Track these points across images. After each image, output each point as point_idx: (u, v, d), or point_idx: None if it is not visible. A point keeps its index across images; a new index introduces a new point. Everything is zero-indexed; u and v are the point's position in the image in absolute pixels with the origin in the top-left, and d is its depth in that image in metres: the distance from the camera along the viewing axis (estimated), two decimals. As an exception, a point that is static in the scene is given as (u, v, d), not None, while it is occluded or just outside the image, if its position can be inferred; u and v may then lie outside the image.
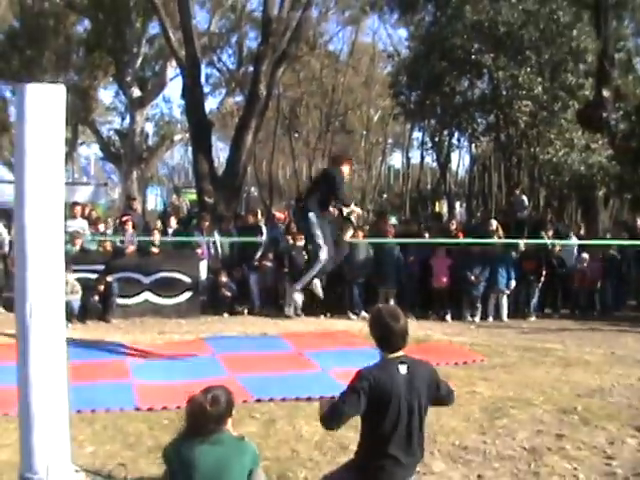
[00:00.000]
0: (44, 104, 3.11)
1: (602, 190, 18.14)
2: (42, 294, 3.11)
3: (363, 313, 14.32)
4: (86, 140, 40.65)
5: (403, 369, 4.28)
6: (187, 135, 26.10)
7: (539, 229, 16.99)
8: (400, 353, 4.36)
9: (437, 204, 36.04)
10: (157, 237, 14.92)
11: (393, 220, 27.98)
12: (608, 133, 18.01)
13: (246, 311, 15.06)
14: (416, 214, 26.82)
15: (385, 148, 43.27)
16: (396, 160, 51.03)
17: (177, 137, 31.19)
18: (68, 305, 12.33)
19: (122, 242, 15.06)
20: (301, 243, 15.04)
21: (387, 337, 4.34)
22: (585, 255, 15.91)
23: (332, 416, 4.27)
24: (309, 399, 8.35)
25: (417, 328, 13.47)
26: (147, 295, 14.51)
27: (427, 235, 16.41)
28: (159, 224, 16.73)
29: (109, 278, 14.13)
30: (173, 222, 16.24)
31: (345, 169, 9.81)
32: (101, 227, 15.71)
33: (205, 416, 4.02)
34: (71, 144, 32.37)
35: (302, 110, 38.01)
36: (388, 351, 4.35)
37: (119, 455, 6.60)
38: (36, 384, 3.12)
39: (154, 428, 7.33)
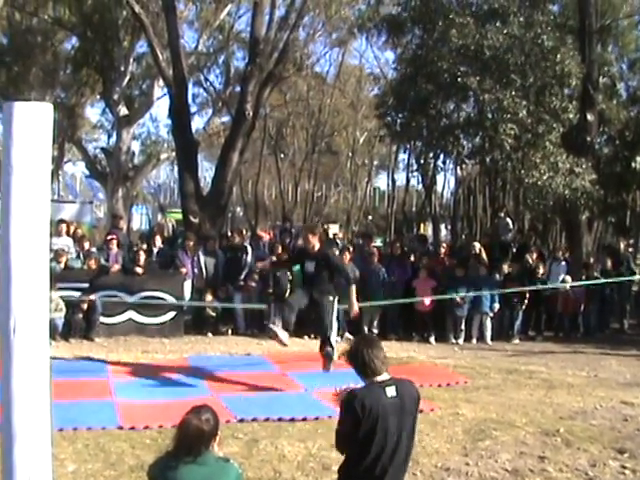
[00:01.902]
0: (31, 122, 3.11)
1: (586, 214, 18.24)
2: (26, 311, 3.11)
3: (347, 334, 14.31)
4: (72, 158, 40.57)
5: (391, 391, 4.28)
6: (173, 154, 26.04)
7: (523, 252, 17.08)
8: (386, 376, 4.37)
9: (422, 226, 36.15)
10: (142, 258, 14.88)
11: (378, 242, 28.11)
12: (592, 157, 18.13)
13: (230, 331, 15.04)
14: (401, 236, 26.85)
15: (371, 170, 43.41)
16: (382, 182, 51.12)
17: (163, 156, 31.08)
18: (52, 323, 12.28)
19: (107, 260, 15.02)
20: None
21: (367, 365, 4.36)
22: (568, 278, 15.99)
23: (342, 446, 4.40)
24: (292, 420, 8.34)
25: (400, 350, 13.51)
26: (131, 314, 14.45)
27: (412, 257, 16.54)
28: (140, 243, 16.72)
29: (92, 296, 14.07)
30: (158, 241, 16.20)
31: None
32: (86, 245, 15.63)
33: (201, 438, 4.03)
34: (57, 162, 32.28)
35: (288, 131, 38.11)
36: (372, 377, 4.36)
37: (101, 474, 6.57)
38: (18, 401, 3.11)
39: (136, 447, 7.29)
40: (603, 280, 15.51)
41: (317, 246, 10.37)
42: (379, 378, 4.35)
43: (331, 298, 10.19)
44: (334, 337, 9.95)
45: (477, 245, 16.71)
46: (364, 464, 4.23)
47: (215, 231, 18.16)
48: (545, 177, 16.14)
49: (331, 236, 19.95)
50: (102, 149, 31.86)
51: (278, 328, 9.84)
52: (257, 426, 8.22)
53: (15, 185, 3.09)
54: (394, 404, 4.26)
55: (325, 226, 23.93)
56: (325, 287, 10.22)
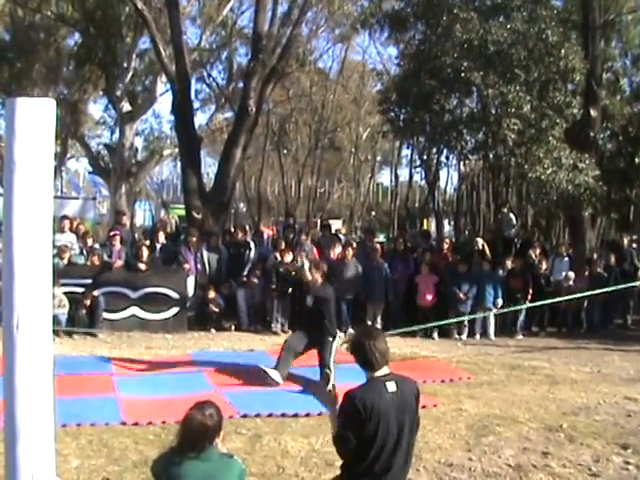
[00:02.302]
0: (34, 118, 3.12)
1: (589, 210, 18.20)
2: (30, 307, 3.11)
3: (350, 330, 14.29)
4: (75, 154, 40.57)
5: (391, 386, 4.28)
6: (176, 150, 26.02)
7: (527, 248, 17.06)
8: (386, 371, 4.37)
9: (425, 222, 36.15)
10: (145, 254, 14.87)
11: (381, 238, 28.11)
12: (595, 152, 18.09)
13: (233, 327, 15.04)
14: (404, 232, 26.87)
15: (374, 165, 43.43)
16: (385, 178, 51.16)
17: (166, 152, 31.07)
18: (55, 319, 12.30)
19: (110, 256, 15.03)
20: (289, 259, 15.07)
21: (369, 357, 4.35)
22: (571, 273, 15.98)
23: (344, 449, 4.32)
24: (295, 415, 8.35)
25: (403, 345, 13.51)
26: (134, 310, 14.46)
27: (415, 253, 16.55)
28: (143, 239, 16.74)
29: (95, 292, 14.07)
30: (161, 237, 16.21)
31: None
32: (89, 241, 15.62)
33: (204, 433, 4.03)
34: (60, 158, 32.28)
35: (291, 127, 38.11)
36: (372, 371, 4.36)
37: (104, 469, 6.58)
38: (22, 397, 3.11)
39: (139, 443, 7.30)
40: (613, 287, 15.32)
41: (319, 282, 10.47)
42: (379, 372, 4.35)
43: (330, 338, 10.21)
44: (333, 378, 9.95)
45: (480, 241, 16.73)
46: (367, 460, 4.23)
47: (218, 227, 18.16)
48: (548, 172, 16.08)
49: (334, 231, 19.91)
50: (105, 145, 31.87)
51: (270, 369, 9.96)
52: (260, 422, 8.23)
53: (18, 181, 3.10)
54: (395, 399, 4.26)
55: (328, 221, 23.93)
56: (323, 325, 10.24)
